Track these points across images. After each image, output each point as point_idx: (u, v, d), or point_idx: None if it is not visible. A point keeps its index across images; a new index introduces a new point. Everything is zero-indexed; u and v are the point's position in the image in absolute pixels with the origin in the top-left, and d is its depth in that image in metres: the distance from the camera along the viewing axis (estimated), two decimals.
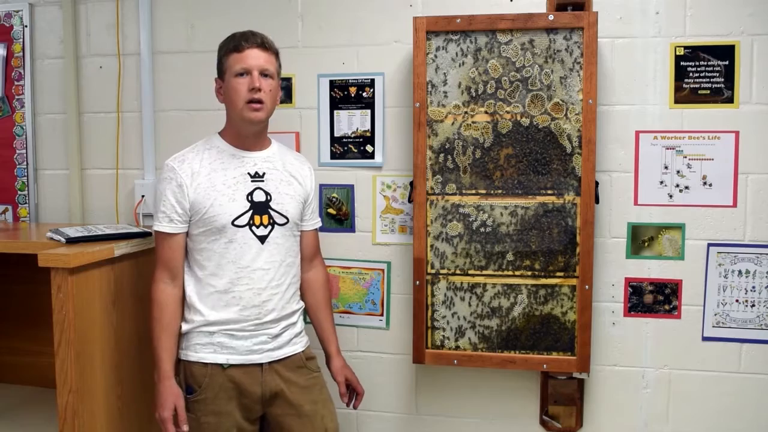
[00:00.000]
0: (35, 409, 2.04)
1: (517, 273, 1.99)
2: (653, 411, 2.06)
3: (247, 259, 1.68)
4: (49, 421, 1.89)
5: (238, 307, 1.68)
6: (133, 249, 1.84)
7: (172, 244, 1.68)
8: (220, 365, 1.68)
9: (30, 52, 2.32)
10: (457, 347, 2.03)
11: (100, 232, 1.84)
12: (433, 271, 2.03)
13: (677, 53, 1.97)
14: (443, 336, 2.04)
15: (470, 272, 2.01)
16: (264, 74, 1.67)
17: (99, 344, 1.72)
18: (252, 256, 1.68)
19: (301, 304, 1.84)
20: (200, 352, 1.68)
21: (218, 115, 2.20)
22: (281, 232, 1.72)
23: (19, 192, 2.37)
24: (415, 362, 2.04)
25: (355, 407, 1.91)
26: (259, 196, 1.70)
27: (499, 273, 1.99)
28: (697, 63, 1.96)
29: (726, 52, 1.94)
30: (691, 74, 1.97)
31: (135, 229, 1.95)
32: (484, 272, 2.00)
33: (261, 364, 1.70)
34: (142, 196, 2.25)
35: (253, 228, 1.68)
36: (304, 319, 1.89)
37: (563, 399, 2.06)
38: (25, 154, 2.35)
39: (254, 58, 1.66)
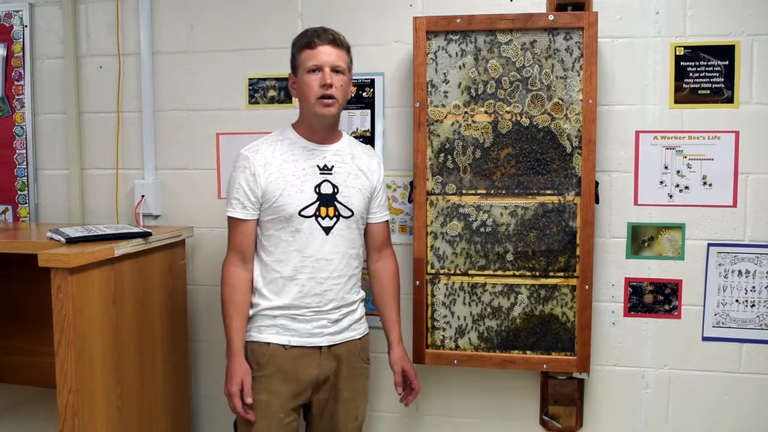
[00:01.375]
0: (35, 409, 2.04)
1: (517, 273, 1.98)
2: (653, 411, 2.06)
3: (312, 248, 1.72)
4: (49, 421, 1.88)
5: (300, 294, 1.72)
6: (133, 249, 1.84)
7: (245, 229, 1.74)
8: (283, 346, 1.72)
9: (30, 52, 2.32)
10: (457, 347, 2.03)
11: (100, 232, 1.84)
12: (433, 271, 2.03)
13: (677, 53, 1.97)
14: (443, 336, 2.04)
15: (470, 272, 2.01)
16: (335, 70, 1.69)
17: (99, 344, 1.72)
18: (317, 246, 1.72)
19: (362, 294, 1.87)
20: (263, 333, 1.74)
21: (218, 115, 2.22)
22: (346, 224, 1.76)
23: (19, 192, 2.37)
24: (415, 362, 2.04)
25: (406, 404, 1.91)
26: (326, 189, 1.74)
27: (499, 273, 1.99)
28: (697, 63, 1.96)
29: (726, 52, 1.94)
30: (691, 74, 1.97)
31: (135, 229, 1.95)
32: (485, 272, 2.00)
33: (320, 347, 1.75)
34: (142, 196, 2.25)
35: (319, 219, 1.72)
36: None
37: (563, 399, 2.06)
38: (25, 154, 2.35)
39: (326, 54, 1.69)
